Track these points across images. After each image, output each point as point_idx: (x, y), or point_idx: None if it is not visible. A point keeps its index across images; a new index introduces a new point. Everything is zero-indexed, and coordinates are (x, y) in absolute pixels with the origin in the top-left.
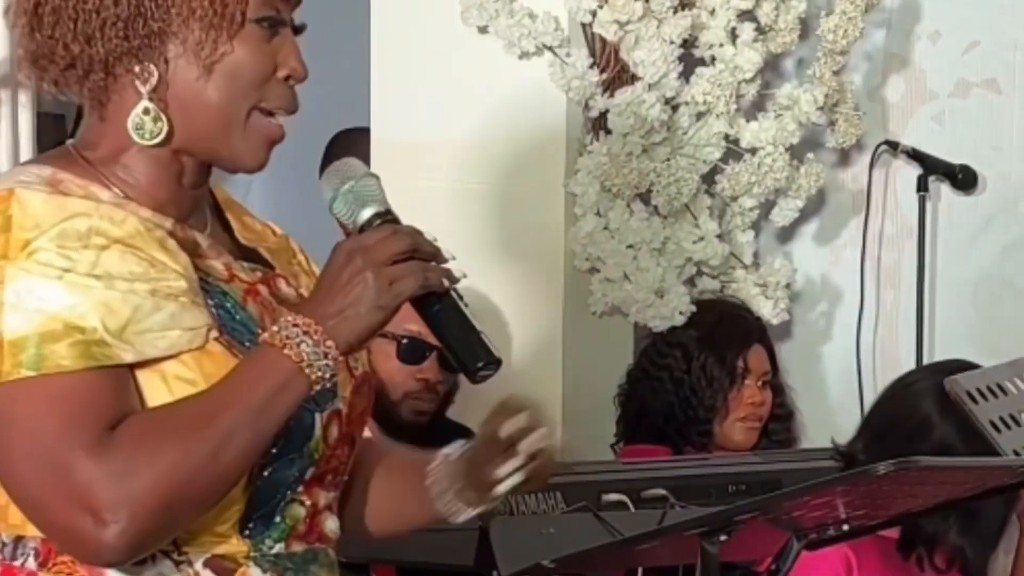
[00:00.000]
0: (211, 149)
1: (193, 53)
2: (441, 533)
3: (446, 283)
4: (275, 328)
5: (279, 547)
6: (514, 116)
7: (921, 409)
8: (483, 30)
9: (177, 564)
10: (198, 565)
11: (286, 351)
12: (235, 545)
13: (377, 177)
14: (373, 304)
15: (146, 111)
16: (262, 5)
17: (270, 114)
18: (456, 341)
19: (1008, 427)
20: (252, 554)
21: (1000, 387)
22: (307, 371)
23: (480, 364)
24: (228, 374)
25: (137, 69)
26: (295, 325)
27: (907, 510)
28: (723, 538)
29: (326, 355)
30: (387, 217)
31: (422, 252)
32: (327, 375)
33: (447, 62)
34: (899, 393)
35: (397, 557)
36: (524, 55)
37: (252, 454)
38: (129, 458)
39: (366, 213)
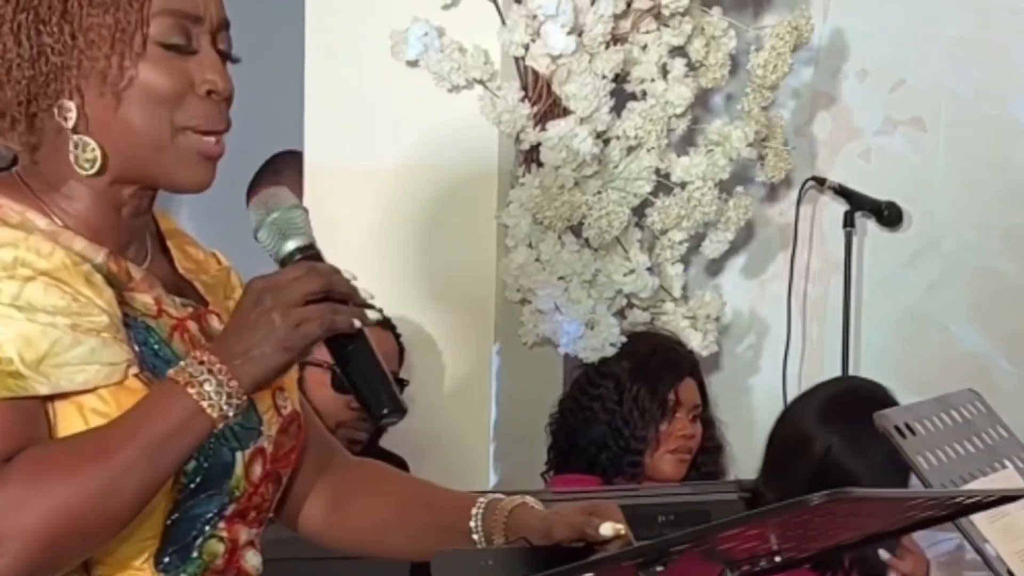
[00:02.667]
0: (146, 173)
1: (103, 83)
2: (369, 561)
3: (357, 325)
4: (182, 364)
5: None
6: (447, 148)
7: (799, 426)
8: (413, 64)
9: None
10: None
11: (189, 389)
12: None
13: (305, 210)
14: (279, 345)
15: (75, 145)
16: (169, 29)
17: (201, 133)
18: (363, 386)
19: (937, 461)
20: None
21: (928, 422)
22: (208, 410)
23: (385, 411)
24: (129, 410)
25: (52, 106)
26: (201, 363)
27: (839, 542)
28: (659, 569)
29: (230, 395)
30: (308, 252)
31: (336, 292)
32: (230, 414)
33: (380, 94)
34: (782, 419)
35: None
36: (455, 88)
37: (149, 490)
38: (19, 490)
39: (288, 246)
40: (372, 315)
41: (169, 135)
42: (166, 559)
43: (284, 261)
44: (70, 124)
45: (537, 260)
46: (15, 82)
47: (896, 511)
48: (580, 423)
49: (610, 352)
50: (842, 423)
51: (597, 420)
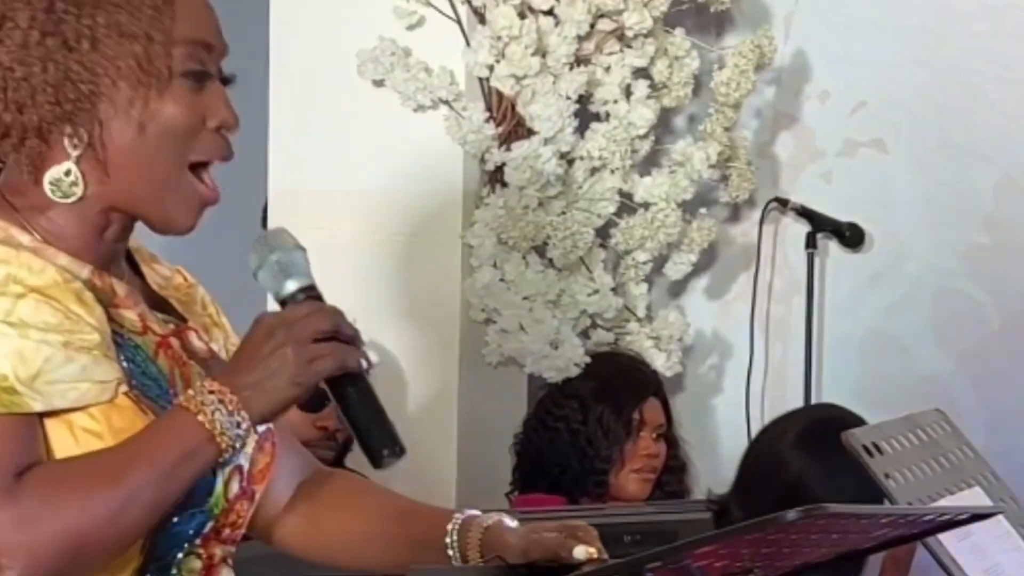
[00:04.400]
0: (144, 208)
1: (125, 113)
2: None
3: (365, 365)
4: (191, 392)
5: None
6: (411, 168)
7: (775, 448)
8: (379, 84)
9: None
10: None
11: (199, 417)
12: None
13: (304, 250)
14: (291, 379)
15: (67, 172)
16: (188, 59)
17: (204, 167)
18: (366, 426)
19: (904, 480)
20: None
21: (895, 441)
22: (218, 439)
23: (386, 452)
24: (140, 433)
25: (69, 132)
26: (211, 392)
27: (812, 560)
28: None
29: (239, 425)
30: (310, 292)
31: (343, 333)
32: (237, 444)
33: (344, 114)
34: (758, 439)
35: None
36: (420, 108)
37: (155, 514)
38: (33, 506)
39: (290, 286)
40: (373, 358)
41: (178, 171)
42: None
43: (285, 301)
44: (77, 152)
45: (502, 280)
46: (39, 106)
47: (869, 529)
48: (545, 443)
49: (574, 372)
50: (819, 451)
51: (562, 440)
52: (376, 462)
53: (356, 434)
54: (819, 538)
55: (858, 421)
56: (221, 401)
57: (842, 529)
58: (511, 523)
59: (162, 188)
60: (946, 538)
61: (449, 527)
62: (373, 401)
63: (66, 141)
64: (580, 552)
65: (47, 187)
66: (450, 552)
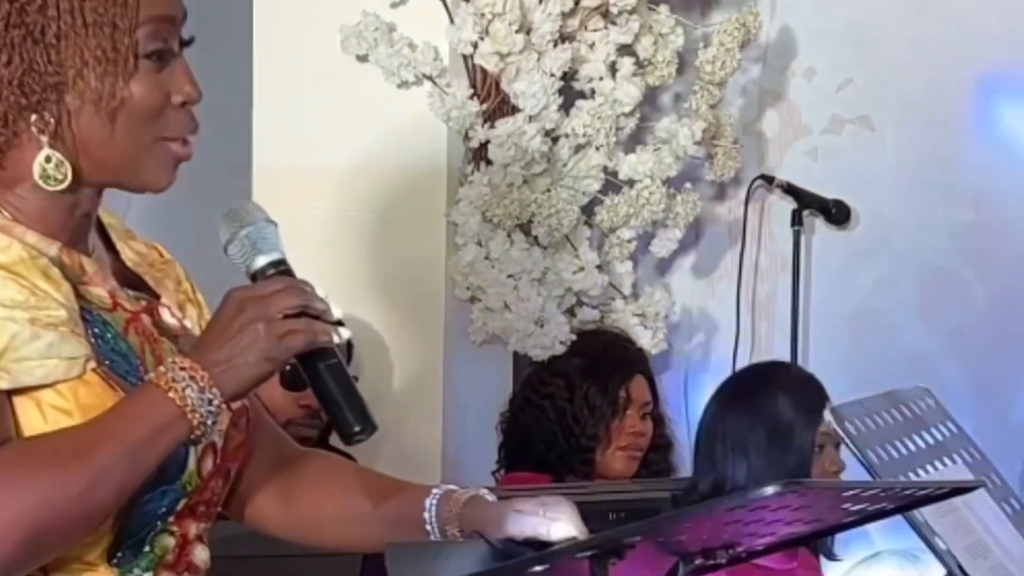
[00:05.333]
0: (118, 180)
1: (93, 103)
2: (322, 558)
3: (336, 340)
4: (161, 369)
5: None
6: (395, 145)
7: (708, 411)
8: (363, 59)
9: None
10: None
11: (170, 394)
12: (102, 573)
13: (275, 224)
14: (262, 355)
15: (48, 159)
16: (151, 38)
17: (175, 140)
18: (336, 403)
19: (887, 456)
20: None
21: (879, 417)
22: (189, 416)
23: (357, 428)
24: (110, 409)
25: (35, 120)
26: (182, 368)
27: (793, 534)
28: (614, 561)
29: (210, 402)
30: (281, 267)
31: (313, 308)
32: (209, 421)
33: (328, 90)
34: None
35: None
36: (404, 84)
37: (124, 491)
38: (0, 484)
39: (260, 261)
40: (344, 333)
41: (148, 146)
42: (119, 554)
43: (255, 276)
44: (46, 138)
45: (487, 258)
46: (3, 98)
47: (850, 503)
48: (531, 421)
49: (560, 350)
50: (729, 403)
51: (548, 418)
52: (347, 439)
53: (327, 410)
54: (801, 513)
55: (770, 366)
56: (192, 378)
57: (824, 503)
58: (490, 498)
59: (133, 161)
60: (929, 514)
61: (427, 502)
62: (344, 377)
63: (33, 129)
64: (558, 533)
65: (39, 182)
66: (428, 527)
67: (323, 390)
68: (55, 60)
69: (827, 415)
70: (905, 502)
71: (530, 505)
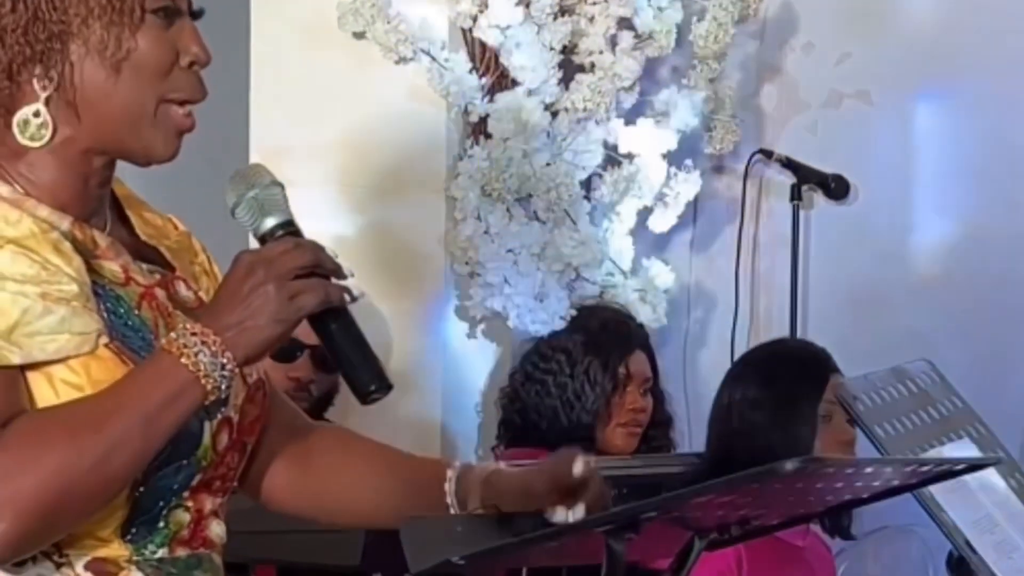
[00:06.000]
0: (122, 145)
1: (98, 53)
2: (326, 533)
3: (348, 299)
4: (172, 335)
5: (162, 552)
6: (394, 120)
7: (720, 387)
8: (360, 35)
9: (58, 566)
10: (79, 567)
11: (183, 360)
12: (117, 549)
13: (282, 186)
14: (273, 317)
15: (36, 114)
16: None
17: (180, 104)
18: (351, 362)
19: (894, 431)
20: (134, 558)
21: (885, 392)
22: (203, 381)
23: (373, 387)
24: (122, 379)
25: (39, 72)
26: (193, 334)
27: (808, 510)
28: (630, 536)
29: (223, 366)
30: (289, 228)
31: (323, 268)
32: (222, 386)
33: (326, 67)
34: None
35: (280, 557)
36: (402, 60)
37: (141, 461)
38: (15, 458)
39: (269, 222)
40: (356, 291)
41: (153, 108)
42: (133, 530)
43: (264, 238)
44: (47, 93)
45: (486, 233)
46: (8, 46)
47: (868, 479)
48: (531, 397)
49: (559, 325)
50: (739, 378)
51: (548, 394)
52: (363, 398)
53: (342, 370)
54: (820, 488)
55: (787, 345)
56: (204, 343)
57: (840, 479)
58: (510, 472)
59: (138, 123)
60: (936, 489)
61: (449, 474)
62: (358, 336)
63: (35, 82)
64: (579, 466)
65: (15, 129)
66: (448, 500)
67: (337, 350)
68: (60, 7)
69: (835, 384)
70: (922, 478)
71: (548, 462)
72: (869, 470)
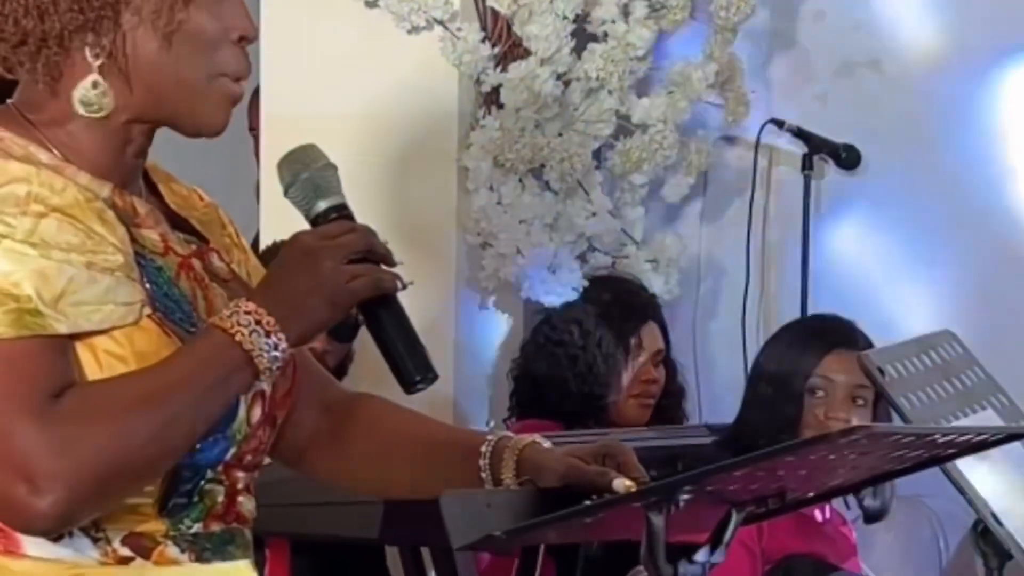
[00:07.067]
0: (173, 115)
1: (150, 23)
2: (343, 506)
3: (400, 286)
4: (226, 313)
5: (197, 527)
6: (406, 90)
7: (764, 360)
8: (372, 5)
9: (95, 541)
10: (116, 542)
11: (237, 338)
12: (154, 524)
13: (335, 168)
14: (327, 300)
15: (95, 85)
16: None
17: (233, 80)
18: (399, 351)
19: (918, 402)
20: (171, 533)
21: (908, 363)
22: (256, 361)
23: (418, 378)
24: (175, 354)
25: (91, 41)
26: (247, 312)
27: (847, 481)
28: (670, 510)
29: (276, 347)
30: (343, 212)
31: (376, 253)
32: (274, 367)
33: (338, 36)
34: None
35: (296, 530)
36: (414, 29)
37: (193, 437)
38: (72, 429)
39: (322, 205)
40: (406, 279)
41: (205, 80)
42: (171, 504)
43: (316, 220)
44: (99, 62)
45: (498, 203)
46: (61, 13)
47: (909, 448)
48: (543, 368)
49: (572, 296)
50: (768, 344)
51: (560, 365)
52: (408, 388)
53: (388, 359)
54: (856, 459)
55: (821, 319)
56: (258, 322)
57: (880, 450)
58: (546, 444)
59: (191, 95)
60: (962, 461)
61: (483, 448)
62: (406, 325)
63: (87, 51)
64: (619, 486)
65: (78, 106)
66: (483, 474)
67: (385, 338)
68: None
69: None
70: (960, 448)
71: (589, 456)
72: (908, 439)
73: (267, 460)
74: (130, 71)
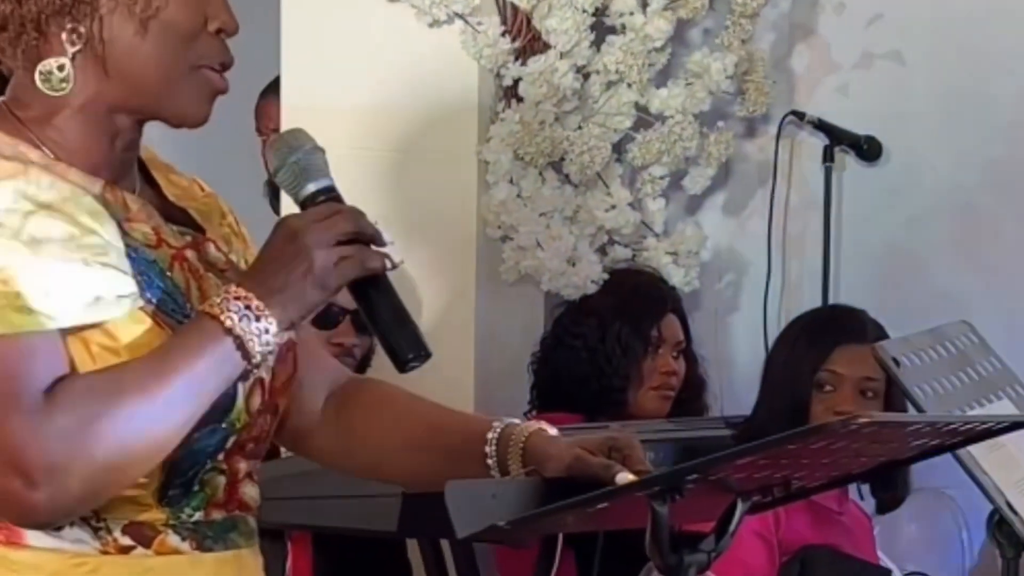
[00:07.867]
0: (153, 105)
1: (127, 8)
2: (362, 499)
3: (389, 266)
4: (216, 299)
5: (198, 515)
6: (426, 83)
7: (775, 353)
8: None
9: (96, 530)
10: (116, 532)
11: (227, 324)
12: (154, 513)
13: (324, 151)
14: (316, 283)
15: (61, 67)
16: None
17: (214, 70)
18: (390, 329)
19: (933, 392)
20: (171, 522)
21: (924, 353)
22: (247, 345)
23: (411, 356)
24: (167, 341)
25: (69, 26)
26: (236, 298)
27: (852, 470)
28: (674, 498)
29: (266, 331)
30: (331, 194)
31: (364, 235)
32: (266, 351)
33: (359, 29)
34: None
35: (316, 523)
36: (435, 23)
37: (187, 425)
38: (66, 423)
39: (310, 187)
40: (396, 259)
41: (185, 71)
42: (170, 493)
43: (305, 202)
44: (75, 48)
45: (518, 196)
46: None
47: (910, 438)
48: (563, 361)
49: (591, 289)
50: (779, 339)
51: (580, 358)
52: (401, 366)
53: (380, 338)
54: (860, 447)
55: (835, 310)
56: (247, 307)
57: (884, 439)
58: (552, 431)
59: (169, 84)
60: (976, 450)
61: (489, 436)
62: (397, 303)
63: (64, 36)
64: (622, 480)
65: (37, 78)
66: (489, 462)
67: (376, 317)
68: None
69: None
70: (966, 437)
71: (596, 448)
72: (914, 428)
73: (287, 453)
74: (107, 56)
